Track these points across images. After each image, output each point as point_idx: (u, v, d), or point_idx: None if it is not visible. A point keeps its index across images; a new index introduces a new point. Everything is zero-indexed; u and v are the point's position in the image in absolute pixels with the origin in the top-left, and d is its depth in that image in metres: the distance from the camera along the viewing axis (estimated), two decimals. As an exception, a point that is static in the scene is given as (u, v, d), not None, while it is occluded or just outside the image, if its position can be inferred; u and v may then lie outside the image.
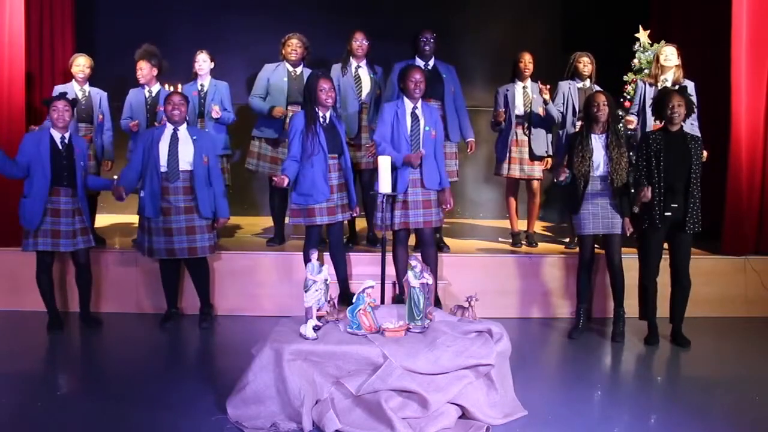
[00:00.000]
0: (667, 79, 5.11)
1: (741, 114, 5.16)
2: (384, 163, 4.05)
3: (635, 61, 5.66)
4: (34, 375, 3.81)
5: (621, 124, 4.97)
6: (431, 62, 5.08)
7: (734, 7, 5.15)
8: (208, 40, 6.20)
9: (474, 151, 5.30)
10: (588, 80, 5.38)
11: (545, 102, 5.28)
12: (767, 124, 5.23)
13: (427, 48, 5.03)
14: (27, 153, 4.38)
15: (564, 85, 5.42)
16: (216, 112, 5.15)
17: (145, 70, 5.28)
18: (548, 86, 5.26)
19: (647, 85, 5.18)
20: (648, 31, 5.67)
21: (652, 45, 5.60)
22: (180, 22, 6.84)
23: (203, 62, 5.33)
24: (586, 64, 5.36)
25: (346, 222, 4.95)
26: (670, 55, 5.11)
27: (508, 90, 5.43)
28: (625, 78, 5.56)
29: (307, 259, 3.39)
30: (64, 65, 5.96)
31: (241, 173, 5.89)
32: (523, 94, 5.41)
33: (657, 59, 5.18)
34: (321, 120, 4.37)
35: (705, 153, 4.77)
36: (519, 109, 5.40)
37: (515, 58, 5.44)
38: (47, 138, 4.42)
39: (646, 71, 5.40)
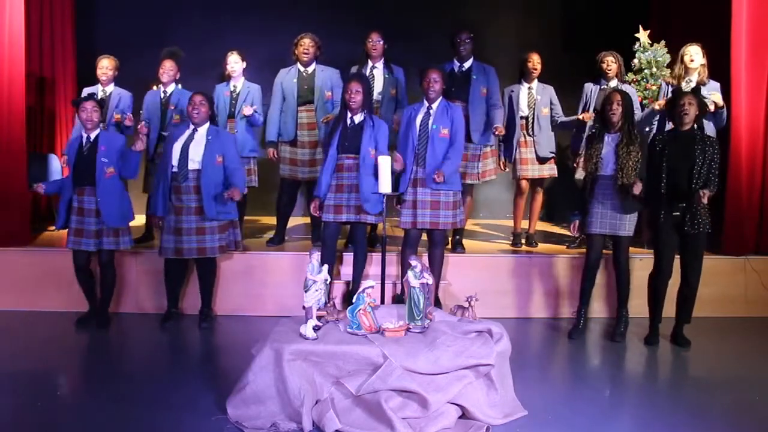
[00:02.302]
0: (692, 80, 4.98)
1: (741, 114, 5.16)
2: (384, 164, 4.06)
3: (635, 61, 5.66)
4: (35, 375, 3.80)
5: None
6: (467, 63, 5.06)
7: (734, 8, 5.15)
8: (208, 40, 6.21)
9: (501, 132, 5.09)
10: (614, 80, 5.28)
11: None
12: (767, 124, 5.23)
13: (462, 49, 5.02)
14: (68, 159, 4.53)
15: (587, 87, 5.39)
16: (248, 108, 5.19)
17: (171, 69, 5.29)
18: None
19: (669, 87, 5.08)
20: (648, 31, 5.67)
21: (652, 45, 5.60)
22: (180, 22, 6.84)
23: (234, 63, 5.33)
24: (609, 64, 5.28)
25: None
26: (695, 55, 4.96)
27: (513, 91, 5.42)
28: (626, 78, 5.56)
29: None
30: (63, 65, 5.97)
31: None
32: (528, 95, 5.40)
33: (681, 59, 5.03)
34: (348, 121, 4.40)
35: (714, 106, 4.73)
36: (523, 110, 5.39)
37: (523, 57, 5.42)
38: (78, 140, 4.51)
39: (655, 70, 5.34)
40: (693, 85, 4.90)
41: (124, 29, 6.69)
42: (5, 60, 5.08)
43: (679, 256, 4.40)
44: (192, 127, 4.52)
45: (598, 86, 5.33)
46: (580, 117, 5.28)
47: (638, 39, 5.67)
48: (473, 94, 5.00)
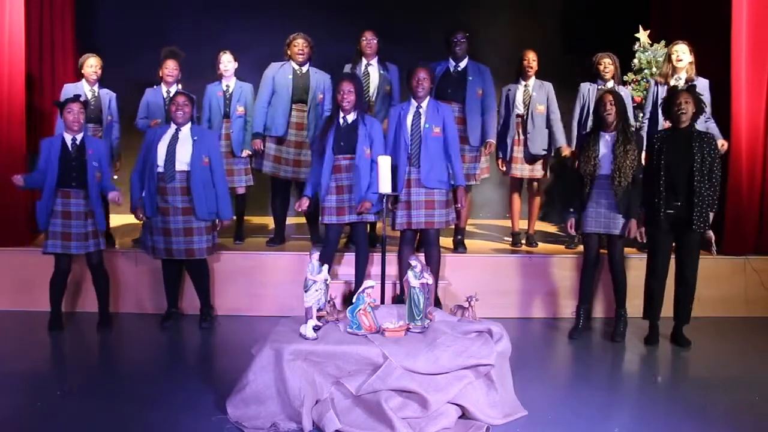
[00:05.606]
0: (680, 77, 5.00)
1: (741, 114, 5.16)
2: (384, 163, 4.06)
3: (635, 61, 5.65)
4: (34, 375, 3.80)
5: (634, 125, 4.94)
6: (462, 63, 5.03)
7: (734, 8, 5.15)
8: (208, 40, 6.20)
9: (490, 151, 5.18)
10: (611, 81, 5.29)
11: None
12: (767, 124, 5.23)
13: (457, 49, 4.99)
14: (44, 158, 4.40)
15: (584, 87, 5.39)
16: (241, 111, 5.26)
17: (175, 69, 5.28)
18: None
19: (659, 86, 5.07)
20: (648, 31, 5.67)
21: (652, 45, 5.60)
22: (180, 22, 6.83)
23: (228, 63, 5.34)
24: (606, 65, 5.29)
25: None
26: (682, 54, 4.97)
27: (510, 90, 5.43)
28: (625, 78, 5.56)
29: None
30: (64, 65, 5.96)
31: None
32: (524, 93, 5.41)
33: (669, 58, 5.05)
34: (341, 121, 4.38)
35: (724, 144, 4.80)
36: (519, 108, 5.40)
37: (520, 56, 5.43)
38: (59, 141, 4.43)
39: (655, 70, 5.34)
40: (682, 83, 4.93)
41: (124, 29, 6.69)
42: (5, 60, 5.07)
43: (674, 257, 4.40)
44: (174, 127, 4.50)
45: (596, 86, 5.33)
46: (563, 152, 5.38)
47: (638, 39, 5.67)
48: (470, 96, 4.98)
